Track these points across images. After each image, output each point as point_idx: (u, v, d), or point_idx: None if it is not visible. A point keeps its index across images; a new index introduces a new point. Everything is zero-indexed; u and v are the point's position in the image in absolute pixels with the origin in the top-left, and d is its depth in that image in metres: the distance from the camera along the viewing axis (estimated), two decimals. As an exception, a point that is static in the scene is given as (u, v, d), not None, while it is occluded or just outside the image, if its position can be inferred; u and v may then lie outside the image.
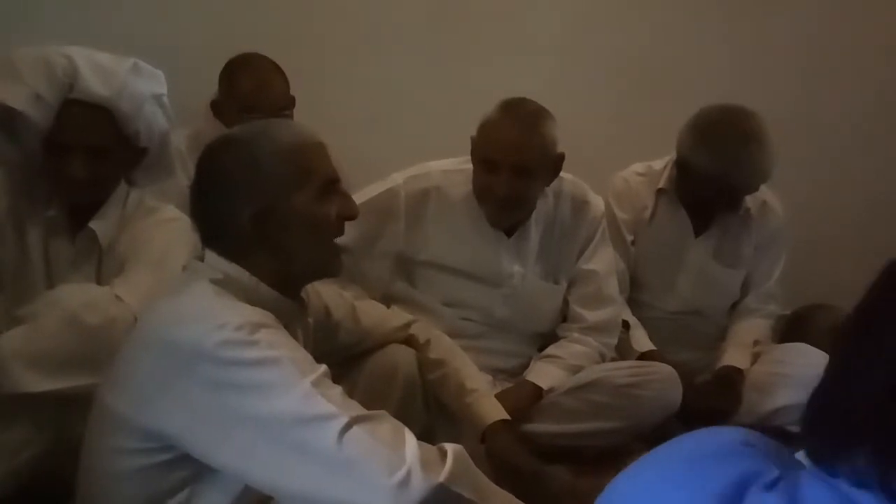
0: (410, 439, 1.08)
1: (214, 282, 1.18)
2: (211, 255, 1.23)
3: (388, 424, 1.09)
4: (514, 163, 1.79)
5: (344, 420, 1.04)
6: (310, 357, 1.14)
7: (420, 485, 1.02)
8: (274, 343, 1.11)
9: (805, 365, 2.15)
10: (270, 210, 1.20)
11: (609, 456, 1.89)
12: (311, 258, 1.27)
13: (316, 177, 1.24)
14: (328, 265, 1.30)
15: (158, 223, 1.68)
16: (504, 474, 1.46)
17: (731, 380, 2.14)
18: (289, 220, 1.22)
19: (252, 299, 1.18)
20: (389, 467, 1.02)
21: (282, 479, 1.06)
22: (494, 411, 1.59)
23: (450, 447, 1.10)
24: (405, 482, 1.02)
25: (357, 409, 1.08)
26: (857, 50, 2.82)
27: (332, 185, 1.26)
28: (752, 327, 2.28)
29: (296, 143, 1.24)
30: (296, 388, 1.07)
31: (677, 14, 2.72)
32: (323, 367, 1.12)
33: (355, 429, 1.04)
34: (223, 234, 1.22)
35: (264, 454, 1.06)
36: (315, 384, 1.08)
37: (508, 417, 1.60)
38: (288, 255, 1.23)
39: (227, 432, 1.07)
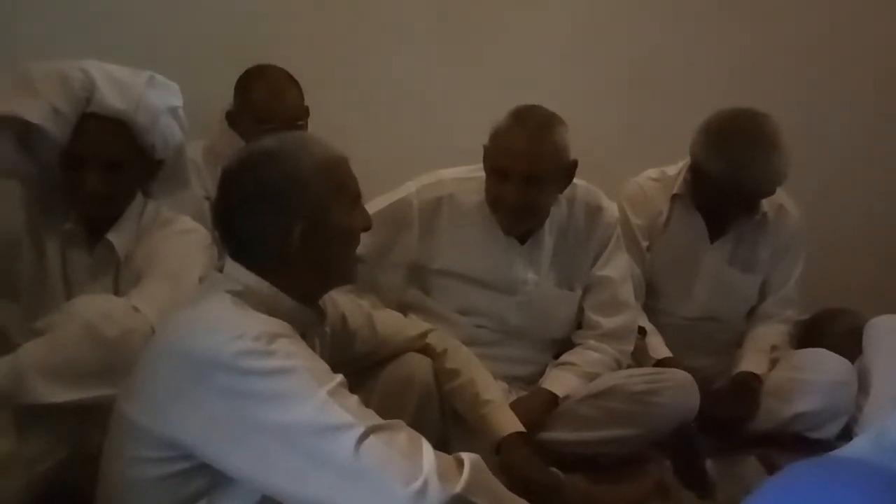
0: (427, 449, 1.08)
1: (232, 293, 1.19)
2: (232, 266, 1.24)
3: (404, 434, 1.09)
4: (526, 171, 1.78)
5: (361, 429, 1.05)
6: (326, 367, 1.15)
7: (437, 495, 1.02)
8: (291, 353, 1.11)
9: (824, 371, 2.14)
10: (316, 224, 1.22)
11: (625, 464, 1.88)
12: (339, 268, 1.30)
13: (348, 190, 1.28)
14: (351, 275, 1.34)
15: (175, 234, 1.69)
16: (519, 487, 1.45)
17: (749, 386, 2.12)
18: (328, 234, 1.24)
19: (271, 310, 1.19)
20: (406, 477, 1.03)
21: (298, 488, 1.06)
22: (509, 423, 1.59)
23: (466, 456, 1.10)
24: (422, 492, 1.02)
25: (373, 419, 1.09)
26: (860, 52, 2.81)
27: (357, 199, 1.30)
28: (769, 333, 2.26)
29: (331, 158, 1.27)
30: (312, 397, 1.07)
31: (685, 19, 2.71)
32: (339, 377, 1.13)
33: (372, 438, 1.05)
34: (257, 245, 1.22)
35: (281, 463, 1.06)
36: (331, 394, 1.08)
37: (523, 429, 1.59)
38: (321, 266, 1.26)
39: (243, 441, 1.08)
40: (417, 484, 1.02)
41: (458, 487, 1.04)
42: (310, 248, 1.22)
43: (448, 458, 1.09)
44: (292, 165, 1.22)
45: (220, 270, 1.26)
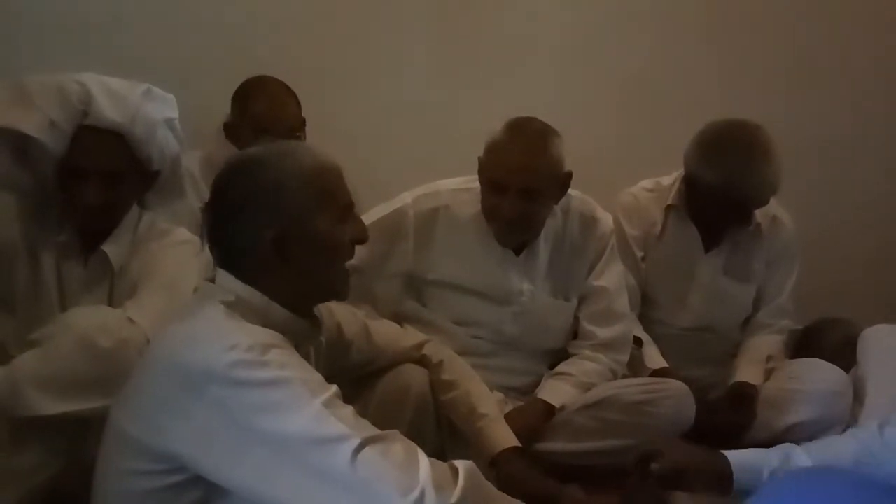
0: (423, 459, 1.08)
1: (225, 304, 1.19)
2: (223, 276, 1.24)
3: (400, 445, 1.09)
4: (522, 185, 1.79)
5: (356, 441, 1.05)
6: (321, 377, 1.15)
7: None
8: (285, 364, 1.11)
9: (819, 381, 2.14)
10: (291, 232, 1.21)
11: (622, 474, 1.88)
12: (324, 280, 1.28)
13: (335, 201, 1.26)
14: (338, 289, 1.32)
15: (170, 246, 1.69)
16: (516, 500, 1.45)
17: (746, 396, 2.13)
18: (308, 242, 1.23)
19: (264, 320, 1.19)
20: (402, 489, 1.03)
21: (295, 500, 1.06)
22: (505, 438, 1.59)
23: (461, 465, 1.10)
24: (419, 503, 1.02)
25: (369, 430, 1.09)
26: (848, 62, 2.84)
27: (348, 210, 1.28)
28: (764, 343, 2.26)
29: (317, 166, 1.25)
30: (307, 408, 1.07)
31: (677, 32, 2.75)
32: (334, 388, 1.13)
33: (368, 450, 1.05)
34: (242, 254, 1.22)
35: (276, 475, 1.06)
36: (326, 404, 1.08)
37: (519, 444, 1.59)
38: (302, 276, 1.24)
39: (238, 453, 1.07)
40: (414, 495, 1.02)
41: (454, 497, 1.04)
42: (288, 255, 1.21)
43: (443, 467, 1.09)
44: (274, 171, 1.22)
45: (212, 280, 1.26)
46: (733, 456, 1.37)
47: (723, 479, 1.35)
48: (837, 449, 1.36)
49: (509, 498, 1.19)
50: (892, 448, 1.24)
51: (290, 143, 1.36)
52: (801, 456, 1.34)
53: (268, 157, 1.24)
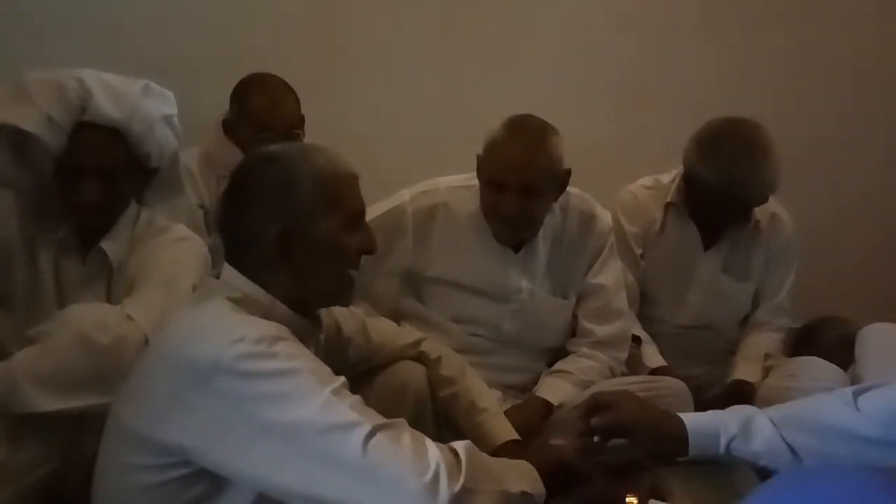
0: (430, 444, 1.10)
1: (231, 300, 1.20)
2: (229, 272, 1.25)
3: (407, 432, 1.11)
4: (522, 183, 1.79)
5: (367, 428, 1.06)
6: (328, 368, 1.16)
7: (446, 487, 1.04)
8: (292, 355, 1.12)
9: (817, 379, 2.14)
10: (295, 230, 1.22)
11: (620, 472, 1.87)
12: (325, 284, 1.29)
13: (344, 207, 1.26)
14: (340, 295, 1.33)
15: (168, 243, 1.69)
16: None
17: (743, 394, 2.13)
18: (311, 243, 1.24)
19: (268, 317, 1.20)
20: (417, 471, 1.05)
21: (309, 489, 1.07)
22: (505, 431, 1.59)
23: (459, 446, 1.12)
24: (433, 486, 1.04)
25: (377, 418, 1.10)
26: (839, 59, 2.86)
27: (357, 218, 1.29)
28: (762, 341, 2.27)
29: (332, 170, 1.26)
30: (317, 397, 1.08)
31: (672, 32, 2.78)
32: (341, 378, 1.14)
33: (379, 436, 1.06)
34: (248, 248, 1.24)
35: (287, 465, 1.07)
36: (335, 393, 1.10)
37: (519, 438, 1.60)
38: (304, 277, 1.25)
39: (248, 445, 1.08)
40: (428, 476, 1.04)
41: (462, 477, 1.06)
42: (290, 255, 1.22)
43: (445, 450, 1.11)
44: (286, 169, 1.23)
45: (218, 277, 1.27)
46: (690, 419, 1.33)
47: (676, 441, 1.31)
48: (803, 414, 1.32)
49: (507, 462, 1.22)
50: (869, 416, 1.22)
51: (311, 144, 1.37)
52: (762, 419, 1.31)
53: (284, 155, 1.26)
